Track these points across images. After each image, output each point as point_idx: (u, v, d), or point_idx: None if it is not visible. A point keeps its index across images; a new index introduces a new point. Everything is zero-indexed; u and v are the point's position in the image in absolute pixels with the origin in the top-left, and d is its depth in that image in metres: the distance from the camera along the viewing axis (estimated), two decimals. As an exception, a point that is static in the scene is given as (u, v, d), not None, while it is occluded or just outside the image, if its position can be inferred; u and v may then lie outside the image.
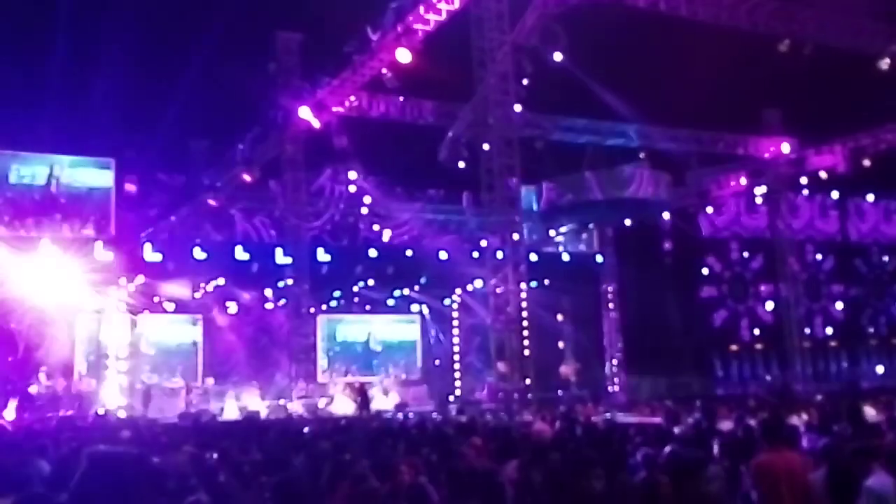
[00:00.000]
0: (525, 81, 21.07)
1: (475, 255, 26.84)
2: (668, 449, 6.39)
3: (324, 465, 6.91)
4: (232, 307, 28.16)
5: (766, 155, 28.76)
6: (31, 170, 24.04)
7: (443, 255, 28.40)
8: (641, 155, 26.42)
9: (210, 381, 26.45)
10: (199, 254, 25.10)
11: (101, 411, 23.19)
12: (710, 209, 30.20)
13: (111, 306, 24.69)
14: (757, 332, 32.15)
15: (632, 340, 30.95)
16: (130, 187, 21.31)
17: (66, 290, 23.88)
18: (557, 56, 19.49)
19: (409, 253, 27.89)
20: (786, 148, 28.55)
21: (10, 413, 22.34)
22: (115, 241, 23.98)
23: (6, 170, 23.70)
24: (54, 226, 24.09)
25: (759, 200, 30.77)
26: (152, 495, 2.50)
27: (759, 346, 32.39)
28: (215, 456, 9.32)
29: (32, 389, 23.24)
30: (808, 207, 33.10)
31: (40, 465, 8.69)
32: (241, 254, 25.66)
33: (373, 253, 27.45)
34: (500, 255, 20.57)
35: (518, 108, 21.11)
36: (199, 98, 24.00)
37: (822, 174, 27.04)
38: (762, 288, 32.33)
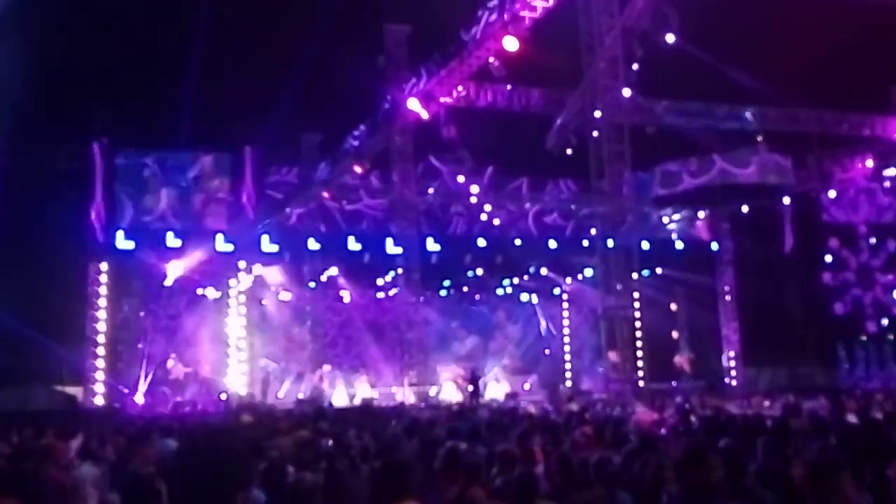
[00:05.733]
0: (635, 66, 20.64)
1: (585, 243, 26.54)
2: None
3: (437, 450, 6.96)
4: (345, 296, 28.81)
5: (896, 135, 27.24)
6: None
7: (552, 244, 28.21)
8: (759, 138, 25.41)
9: (326, 367, 27.15)
10: (313, 245, 25.77)
11: (223, 396, 24.24)
12: (832, 193, 28.80)
13: (231, 295, 25.70)
14: (885, 321, 30.49)
15: (750, 330, 29.87)
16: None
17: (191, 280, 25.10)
18: (670, 38, 19.01)
19: (518, 242, 27.82)
20: (917, 128, 26.95)
21: (139, 397, 23.63)
22: (233, 233, 24.91)
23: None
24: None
25: (887, 184, 29.15)
26: (242, 466, 2.59)
27: (888, 336, 30.71)
28: (330, 442, 9.57)
29: (161, 375, 24.50)
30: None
31: (168, 442, 9.17)
32: (353, 244, 26.19)
33: (482, 242, 27.50)
34: (609, 242, 20.27)
35: (627, 92, 20.69)
36: (312, 92, 24.60)
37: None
38: (891, 276, 30.63)
